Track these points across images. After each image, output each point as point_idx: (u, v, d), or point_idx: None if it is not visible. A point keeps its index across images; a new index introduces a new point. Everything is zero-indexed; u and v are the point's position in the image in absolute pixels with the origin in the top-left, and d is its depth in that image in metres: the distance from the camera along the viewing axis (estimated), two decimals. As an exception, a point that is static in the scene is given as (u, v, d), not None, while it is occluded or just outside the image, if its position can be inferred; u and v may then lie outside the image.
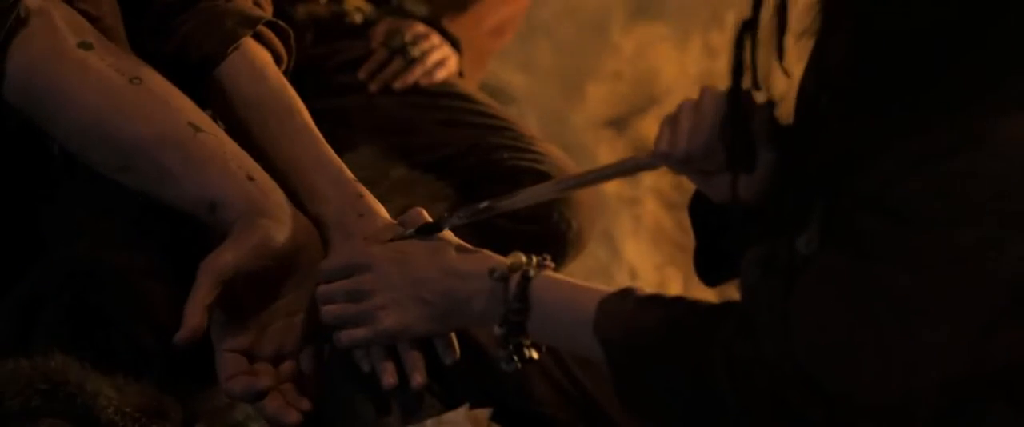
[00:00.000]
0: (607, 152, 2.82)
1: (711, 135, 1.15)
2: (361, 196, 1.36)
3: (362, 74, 2.02)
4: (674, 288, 2.47)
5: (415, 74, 2.02)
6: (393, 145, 1.96)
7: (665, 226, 2.61)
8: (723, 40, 3.02)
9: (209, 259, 1.25)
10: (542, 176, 1.87)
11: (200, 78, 1.41)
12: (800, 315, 1.03)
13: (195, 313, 1.23)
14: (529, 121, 2.55)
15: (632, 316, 1.13)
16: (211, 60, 1.40)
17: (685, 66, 3.04)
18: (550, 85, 2.90)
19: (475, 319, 1.23)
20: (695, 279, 2.49)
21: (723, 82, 2.81)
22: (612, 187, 2.61)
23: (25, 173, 1.42)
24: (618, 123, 2.93)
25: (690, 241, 2.57)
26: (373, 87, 2.02)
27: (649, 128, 2.91)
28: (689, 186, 2.51)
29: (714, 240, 1.29)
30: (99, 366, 1.39)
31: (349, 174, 1.38)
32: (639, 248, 2.51)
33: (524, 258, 1.21)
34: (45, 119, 1.29)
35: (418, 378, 1.25)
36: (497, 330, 1.19)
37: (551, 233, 1.87)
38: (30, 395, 1.33)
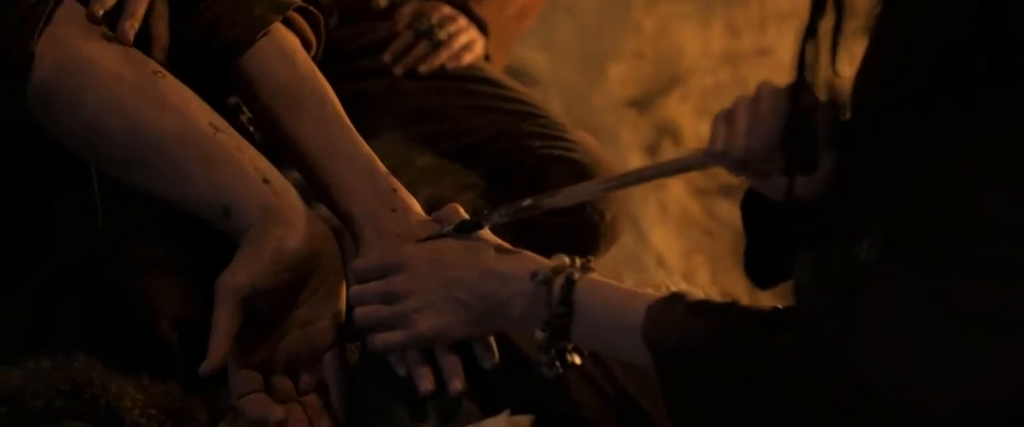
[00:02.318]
0: (629, 133, 2.78)
1: (771, 134, 1.10)
2: (395, 191, 1.31)
3: (387, 57, 1.97)
4: (702, 275, 2.43)
5: (441, 57, 1.96)
6: (418, 131, 1.90)
7: (692, 212, 2.57)
8: (745, 18, 2.98)
9: (225, 278, 1.20)
10: (574, 165, 1.82)
11: (226, 64, 1.36)
12: (863, 326, 0.99)
13: (221, 344, 1.18)
14: (552, 103, 2.51)
15: (683, 322, 1.08)
16: (238, 46, 1.35)
17: (708, 45, 2.99)
18: (572, 65, 2.86)
19: (515, 323, 1.18)
20: (722, 265, 2.47)
21: (746, 61, 2.77)
22: (636, 170, 2.57)
23: (37, 161, 1.37)
24: (640, 103, 2.88)
25: (717, 227, 2.56)
26: (398, 70, 1.96)
27: (672, 108, 2.86)
28: (715, 171, 2.46)
29: (768, 239, 1.23)
30: (122, 365, 1.36)
31: (382, 168, 1.33)
32: (666, 235, 2.47)
33: (567, 260, 1.16)
34: (67, 106, 1.24)
35: (457, 384, 1.20)
36: (539, 335, 1.15)
37: (584, 224, 1.82)
38: (52, 396, 1.30)
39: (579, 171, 1.82)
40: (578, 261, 1.16)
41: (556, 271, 1.15)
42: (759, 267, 1.27)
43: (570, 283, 1.14)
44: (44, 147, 1.34)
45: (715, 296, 2.31)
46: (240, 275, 1.19)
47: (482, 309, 1.19)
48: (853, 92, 1.11)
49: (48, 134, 1.28)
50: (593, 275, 1.15)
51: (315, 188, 1.34)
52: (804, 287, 1.16)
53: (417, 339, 1.21)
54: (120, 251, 1.47)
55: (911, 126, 1.01)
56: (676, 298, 1.11)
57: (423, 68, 1.96)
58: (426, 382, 1.21)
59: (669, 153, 2.74)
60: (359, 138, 1.35)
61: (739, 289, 2.39)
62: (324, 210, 1.35)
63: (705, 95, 2.88)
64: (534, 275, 1.15)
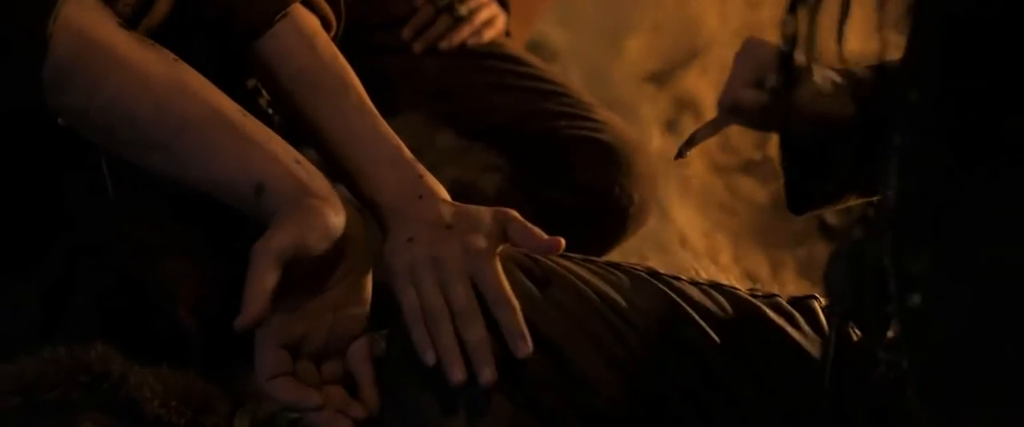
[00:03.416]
0: (648, 108, 2.73)
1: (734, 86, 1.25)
2: (421, 177, 1.27)
3: (406, 33, 1.92)
4: (724, 254, 2.38)
5: (462, 34, 1.91)
6: (439, 110, 1.86)
7: (713, 189, 2.53)
8: (764, -10, 2.93)
9: (264, 241, 1.14)
10: (602, 146, 1.77)
11: (244, 48, 1.32)
12: None
13: (258, 298, 1.11)
14: (571, 77, 2.47)
15: None
16: (257, 28, 1.31)
17: (727, 18, 2.94)
18: (590, 39, 2.81)
19: None
20: (745, 244, 2.43)
21: (765, 34, 2.73)
22: (657, 147, 2.53)
23: (46, 139, 1.33)
24: (659, 77, 2.84)
25: (738, 203, 2.51)
26: (417, 47, 1.91)
27: (691, 82, 2.82)
28: (736, 146, 2.42)
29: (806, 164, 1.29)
30: (140, 354, 1.32)
31: (408, 154, 1.29)
32: (688, 213, 2.43)
33: None
34: (85, 87, 1.20)
35: (487, 373, 1.17)
36: None
37: (612, 208, 1.78)
38: (69, 388, 1.26)
39: (607, 152, 1.78)
40: None
41: None
42: (796, 191, 1.31)
43: None
44: (53, 125, 1.30)
45: (738, 275, 2.28)
46: (282, 237, 1.14)
47: None
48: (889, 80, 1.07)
49: (58, 118, 1.24)
50: None
51: (337, 173, 1.31)
52: (836, 282, 1.12)
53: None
54: (135, 235, 1.44)
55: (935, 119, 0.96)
56: None
57: (443, 44, 1.91)
58: (458, 371, 1.17)
59: (689, 128, 2.69)
60: (383, 124, 1.31)
61: (762, 268, 2.35)
62: (344, 191, 1.31)
63: (724, 69, 2.82)
64: None
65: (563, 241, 1.24)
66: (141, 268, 1.42)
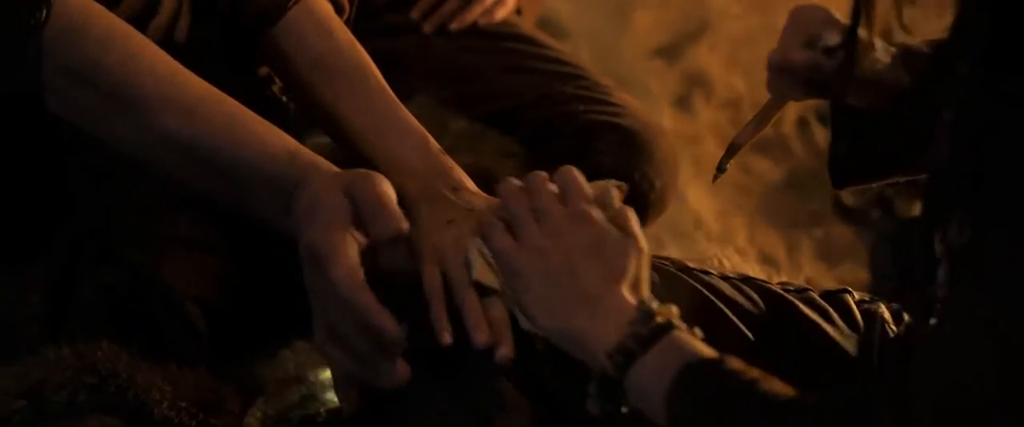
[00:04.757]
0: (659, 84, 2.68)
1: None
2: (451, 169, 1.24)
3: (415, 13, 1.86)
4: (740, 236, 2.34)
5: (474, 13, 1.85)
6: (451, 93, 1.80)
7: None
8: (774, -39, 2.87)
9: (371, 175, 1.12)
10: (622, 131, 1.72)
11: (257, 37, 1.28)
12: (928, 375, 0.88)
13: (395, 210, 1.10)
14: (583, 55, 2.41)
15: (707, 397, 1.00)
16: (270, 15, 1.27)
17: (736, -11, 2.90)
18: (597, 13, 2.76)
19: (590, 333, 1.06)
20: (760, 225, 2.39)
21: (776, 7, 2.69)
22: (668, 125, 2.48)
23: (47, 126, 1.29)
24: (668, 52, 2.79)
25: (753, 183, 2.47)
26: (427, 28, 1.86)
27: (700, 58, 2.76)
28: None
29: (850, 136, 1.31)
30: (148, 353, 1.28)
31: (435, 144, 1.26)
32: (701, 194, 2.38)
33: (676, 311, 1.06)
34: (99, 42, 1.16)
35: (481, 336, 1.11)
36: (603, 360, 1.04)
37: (633, 194, 1.73)
38: (76, 389, 1.22)
39: (627, 138, 1.73)
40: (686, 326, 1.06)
41: (661, 310, 1.05)
42: (839, 164, 1.32)
43: (668, 326, 1.04)
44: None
45: (754, 257, 2.24)
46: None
47: (570, 296, 1.07)
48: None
49: (58, 97, 1.19)
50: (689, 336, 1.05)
51: (359, 161, 1.27)
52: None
53: (505, 255, 1.11)
54: (139, 226, 1.40)
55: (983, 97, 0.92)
56: (713, 365, 1.02)
57: (454, 25, 1.86)
58: (481, 334, 1.11)
59: (700, 105, 2.65)
60: (406, 112, 1.28)
61: (778, 249, 2.32)
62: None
63: (734, 44, 2.78)
64: (642, 302, 1.06)
65: None
66: (146, 260, 1.38)
